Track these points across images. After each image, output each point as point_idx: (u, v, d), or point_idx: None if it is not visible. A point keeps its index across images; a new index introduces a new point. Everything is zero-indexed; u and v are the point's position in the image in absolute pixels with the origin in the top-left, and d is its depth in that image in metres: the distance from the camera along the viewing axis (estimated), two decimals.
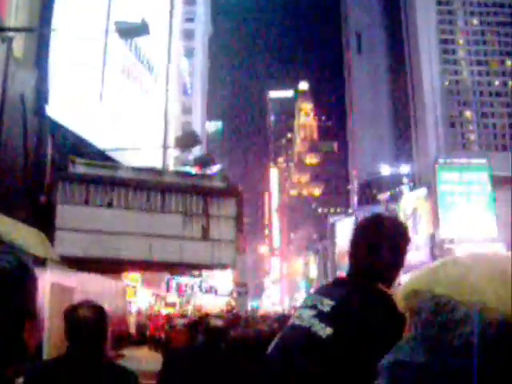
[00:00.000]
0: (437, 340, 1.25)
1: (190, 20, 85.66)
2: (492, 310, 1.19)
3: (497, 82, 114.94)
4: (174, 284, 46.17)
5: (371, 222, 2.90)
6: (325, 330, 2.44)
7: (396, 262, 2.72)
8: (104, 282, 17.77)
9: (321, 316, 2.51)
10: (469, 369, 1.16)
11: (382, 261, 2.65)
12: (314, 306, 2.59)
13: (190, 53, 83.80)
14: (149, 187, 16.34)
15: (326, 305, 2.54)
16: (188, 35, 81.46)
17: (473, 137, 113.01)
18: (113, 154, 19.44)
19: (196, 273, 42.05)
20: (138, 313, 31.16)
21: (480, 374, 1.14)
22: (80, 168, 15.54)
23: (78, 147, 17.06)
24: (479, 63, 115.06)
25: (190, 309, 44.63)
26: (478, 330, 1.19)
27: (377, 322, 2.37)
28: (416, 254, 79.80)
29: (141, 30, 15.21)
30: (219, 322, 6.58)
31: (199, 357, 6.29)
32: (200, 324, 8.77)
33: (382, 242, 2.68)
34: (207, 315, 14.38)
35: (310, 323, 2.51)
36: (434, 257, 75.39)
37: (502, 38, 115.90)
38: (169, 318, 28.32)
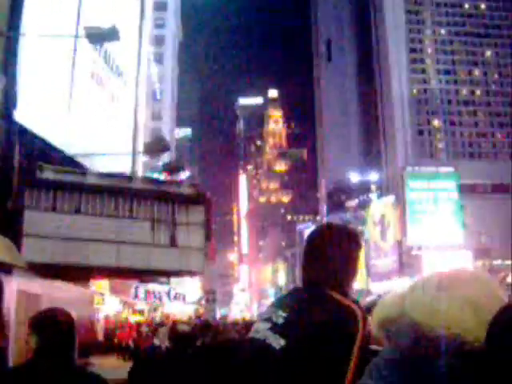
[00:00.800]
0: (418, 367, 1.24)
1: (161, 26, 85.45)
2: (469, 342, 1.21)
3: (464, 91, 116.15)
4: (142, 291, 45.89)
5: (321, 231, 2.92)
6: (279, 341, 2.42)
7: (348, 269, 2.72)
8: (71, 289, 17.62)
9: (275, 328, 2.49)
10: None
11: (334, 268, 2.64)
12: (268, 319, 2.58)
13: (159, 59, 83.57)
14: (117, 193, 16.23)
15: (280, 316, 2.53)
16: (158, 41, 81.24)
17: (440, 145, 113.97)
18: (82, 160, 19.30)
19: (164, 280, 41.85)
20: (106, 320, 30.94)
21: None
22: (48, 174, 15.37)
23: (46, 153, 16.91)
24: (447, 72, 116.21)
25: (158, 316, 44.41)
26: (458, 361, 1.21)
27: (326, 331, 2.35)
28: (384, 260, 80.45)
29: (110, 35, 15.14)
30: (186, 328, 6.56)
31: (165, 363, 6.26)
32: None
33: (332, 250, 2.68)
34: (175, 322, 14.32)
35: (264, 336, 2.50)
36: (401, 263, 75.98)
37: (469, 48, 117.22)
38: (137, 325, 28.18)
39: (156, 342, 8.16)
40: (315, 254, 2.73)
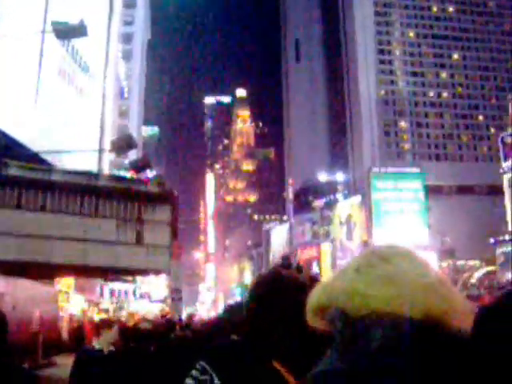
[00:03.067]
0: (352, 346, 1.27)
1: (129, 23, 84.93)
2: (391, 315, 1.24)
3: (431, 93, 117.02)
4: (107, 290, 45.62)
5: (268, 279, 2.44)
6: None
7: (296, 332, 2.10)
8: (35, 287, 17.40)
9: None
10: (387, 369, 1.19)
11: (279, 331, 2.19)
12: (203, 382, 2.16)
13: (128, 56, 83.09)
14: (83, 191, 16.09)
15: None
16: (126, 38, 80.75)
17: (407, 146, 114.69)
18: (47, 157, 19.10)
19: (130, 278, 41.65)
20: (71, 319, 30.65)
21: (398, 374, 1.18)
22: (12, 170, 15.19)
23: (11, 149, 16.70)
24: (415, 74, 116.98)
25: (123, 315, 44.14)
26: (384, 334, 1.24)
27: None
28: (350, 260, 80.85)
29: (78, 31, 14.99)
30: (148, 326, 6.51)
31: (113, 362, 6.20)
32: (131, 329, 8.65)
33: (278, 307, 2.25)
34: (138, 320, 14.21)
35: None
36: None
37: (437, 50, 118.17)
38: (103, 323, 27.91)
39: (97, 345, 7.10)
40: (260, 310, 2.29)
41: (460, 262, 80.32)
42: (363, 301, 1.28)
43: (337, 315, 1.33)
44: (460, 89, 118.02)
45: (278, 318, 2.19)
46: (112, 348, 6.66)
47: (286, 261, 2.73)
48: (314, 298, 1.44)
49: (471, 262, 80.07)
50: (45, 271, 18.58)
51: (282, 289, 2.27)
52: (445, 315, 1.26)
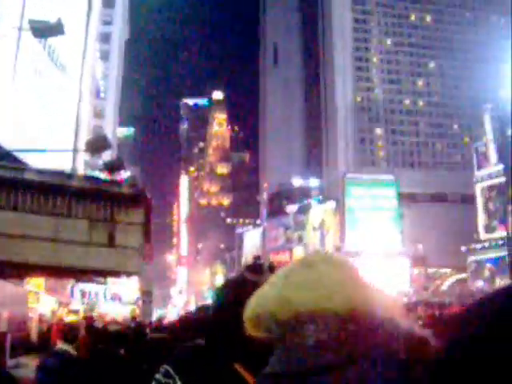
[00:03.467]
0: (289, 347, 1.36)
1: (108, 23, 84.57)
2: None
3: (407, 101, 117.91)
4: (77, 291, 45.32)
5: (234, 283, 2.56)
6: None
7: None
8: (3, 286, 17.25)
9: None
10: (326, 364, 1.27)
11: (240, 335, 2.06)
12: None
13: (105, 56, 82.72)
14: (55, 191, 15.97)
15: None
16: (104, 38, 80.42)
17: (382, 153, 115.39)
18: (20, 155, 18.96)
19: (101, 280, 41.41)
20: (40, 320, 30.40)
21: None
22: None
23: None
24: (391, 82, 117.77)
25: (93, 316, 43.85)
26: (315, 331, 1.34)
27: None
28: None
29: (56, 29, 14.90)
30: (117, 328, 6.48)
31: (83, 365, 6.16)
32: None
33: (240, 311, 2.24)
34: (107, 322, 14.15)
35: None
36: None
37: (414, 59, 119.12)
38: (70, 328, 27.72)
39: (63, 347, 6.76)
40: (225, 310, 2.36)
41: (432, 270, 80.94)
42: (291, 305, 1.36)
43: (271, 322, 1.39)
44: (435, 97, 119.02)
45: (240, 321, 2.13)
46: (73, 351, 6.59)
47: (257, 260, 2.75)
48: (250, 308, 1.50)
49: (443, 270, 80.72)
50: (15, 271, 18.44)
51: (246, 293, 2.23)
52: (365, 308, 1.35)
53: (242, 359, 2.18)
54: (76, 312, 42.45)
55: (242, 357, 2.18)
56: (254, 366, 2.07)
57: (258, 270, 3.69)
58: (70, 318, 35.21)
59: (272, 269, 3.52)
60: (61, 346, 5.39)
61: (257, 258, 3.34)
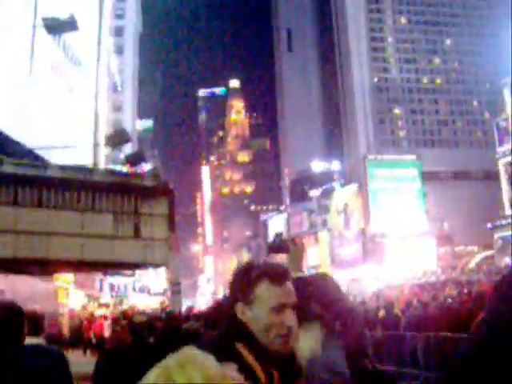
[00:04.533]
0: None
1: (120, 17, 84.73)
2: None
3: (425, 80, 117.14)
4: (106, 284, 45.66)
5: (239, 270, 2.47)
6: None
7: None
8: (34, 283, 17.38)
9: None
10: None
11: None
12: None
13: (119, 50, 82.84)
14: (79, 186, 16.03)
15: None
16: (118, 32, 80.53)
17: (402, 133, 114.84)
18: (42, 153, 19.03)
19: (129, 272, 41.66)
20: (72, 314, 30.65)
21: None
22: (8, 167, 15.13)
23: (5, 146, 16.64)
24: (407, 61, 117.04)
25: (124, 309, 44.14)
26: None
27: None
28: (348, 248, 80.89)
29: (69, 25, 14.93)
30: (143, 318, 6.50)
31: (125, 354, 6.17)
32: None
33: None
34: (133, 314, 14.22)
35: None
36: (365, 251, 76.47)
37: (429, 36, 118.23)
38: (102, 318, 27.90)
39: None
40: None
41: (458, 248, 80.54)
42: None
43: None
44: (453, 74, 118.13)
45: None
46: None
47: (277, 237, 2.78)
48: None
49: (469, 248, 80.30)
50: (44, 267, 18.56)
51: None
52: None
53: (244, 339, 2.21)
54: (106, 305, 42.82)
55: (245, 337, 2.21)
56: (255, 346, 2.17)
57: (282, 249, 3.66)
58: (100, 312, 35.53)
59: (295, 243, 3.48)
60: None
61: (278, 234, 3.38)
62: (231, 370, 1.45)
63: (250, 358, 2.14)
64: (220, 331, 2.37)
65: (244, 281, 2.28)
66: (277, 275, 2.28)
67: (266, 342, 2.18)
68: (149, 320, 7.08)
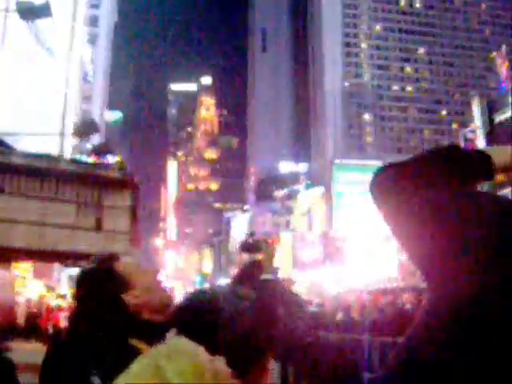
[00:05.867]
0: None
1: (95, 6, 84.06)
2: None
3: (396, 87, 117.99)
4: (65, 275, 45.24)
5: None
6: None
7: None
8: None
9: None
10: None
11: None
12: None
13: (93, 39, 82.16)
14: (43, 174, 15.90)
15: None
16: (92, 21, 79.84)
17: (370, 139, 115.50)
18: (7, 139, 18.83)
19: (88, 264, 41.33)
20: (28, 304, 30.33)
21: None
22: None
23: None
24: (380, 67, 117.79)
25: None
26: None
27: None
28: (310, 250, 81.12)
29: (43, 11, 14.79)
30: None
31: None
32: None
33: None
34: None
35: None
36: (327, 254, 76.78)
37: (402, 45, 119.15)
38: (57, 310, 27.72)
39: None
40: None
41: None
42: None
43: None
44: (424, 83, 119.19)
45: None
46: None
47: (250, 236, 2.80)
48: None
49: None
50: (2, 255, 18.36)
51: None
52: None
53: (136, 334, 2.28)
54: (63, 296, 42.45)
55: (137, 332, 2.28)
56: (147, 337, 2.21)
57: (255, 248, 3.68)
58: (58, 303, 35.22)
59: (268, 244, 3.51)
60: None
61: (251, 233, 3.40)
62: (221, 362, 1.45)
63: None
64: None
65: None
66: None
67: None
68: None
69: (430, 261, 1.17)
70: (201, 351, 1.39)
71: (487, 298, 1.02)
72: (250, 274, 2.76)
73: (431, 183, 1.24)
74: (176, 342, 1.44)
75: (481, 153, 1.29)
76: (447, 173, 1.25)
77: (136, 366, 1.40)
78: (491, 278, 1.03)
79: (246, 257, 3.73)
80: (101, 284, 2.38)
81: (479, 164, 1.27)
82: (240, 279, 2.80)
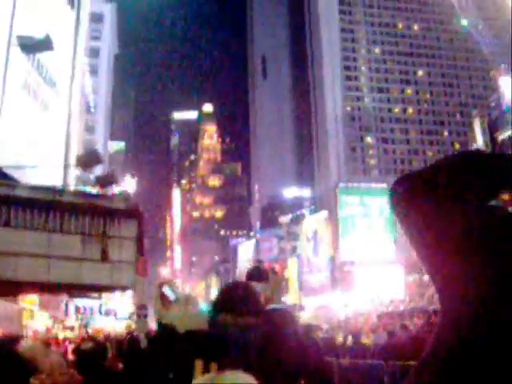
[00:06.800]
0: None
1: (96, 38, 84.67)
2: None
3: (397, 109, 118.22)
4: (72, 307, 45.05)
5: None
6: None
7: None
8: None
9: None
10: None
11: None
12: None
13: (94, 70, 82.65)
14: (47, 207, 15.88)
15: None
16: (93, 53, 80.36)
17: (373, 162, 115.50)
18: (11, 172, 18.85)
19: (95, 295, 41.18)
20: (35, 336, 30.18)
21: None
22: None
23: None
24: (380, 90, 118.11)
25: (89, 332, 43.61)
26: None
27: None
28: (317, 275, 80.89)
29: (44, 45, 14.86)
30: (89, 345, 6.39)
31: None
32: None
33: None
34: (81, 341, 14.03)
35: None
36: (334, 279, 76.55)
37: (402, 67, 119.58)
38: (64, 341, 27.55)
39: None
40: None
41: (426, 277, 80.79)
42: None
43: None
44: (425, 105, 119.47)
45: None
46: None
47: (258, 263, 2.77)
48: None
49: None
50: (8, 288, 18.30)
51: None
52: None
53: None
54: (71, 328, 42.29)
55: None
56: None
57: (263, 277, 3.61)
58: (65, 335, 35.05)
59: (274, 272, 3.45)
60: None
61: (258, 260, 3.32)
62: None
63: None
64: None
65: None
66: None
67: None
68: (97, 346, 6.94)
69: (448, 280, 1.13)
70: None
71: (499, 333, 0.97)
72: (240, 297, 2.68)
73: (456, 196, 1.16)
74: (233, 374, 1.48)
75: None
76: (474, 185, 1.17)
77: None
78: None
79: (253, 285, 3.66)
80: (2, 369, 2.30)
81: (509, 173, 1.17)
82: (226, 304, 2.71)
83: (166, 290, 3.01)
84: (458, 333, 1.04)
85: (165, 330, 2.77)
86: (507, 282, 1.00)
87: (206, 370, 2.37)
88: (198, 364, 2.44)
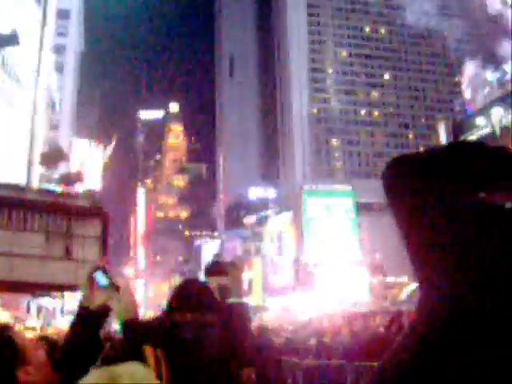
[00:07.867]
0: None
1: (62, 35, 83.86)
2: None
3: (362, 112, 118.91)
4: (34, 306, 44.58)
5: None
6: None
7: None
8: None
9: None
10: None
11: None
12: None
13: (60, 68, 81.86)
14: (10, 204, 15.69)
15: None
16: (59, 50, 79.57)
17: (338, 164, 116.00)
18: None
19: (58, 295, 40.82)
20: None
21: None
22: None
23: None
24: (347, 93, 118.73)
25: (51, 332, 43.16)
26: None
27: None
28: (281, 276, 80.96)
29: (10, 40, 14.69)
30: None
31: None
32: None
33: None
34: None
35: None
36: (298, 280, 76.64)
37: (369, 70, 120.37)
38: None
39: None
40: None
41: (390, 279, 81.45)
42: None
43: None
44: (390, 108, 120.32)
45: None
46: None
47: (216, 257, 2.76)
48: None
49: (400, 279, 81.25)
50: None
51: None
52: None
53: None
54: (33, 328, 41.83)
55: None
56: None
57: (221, 272, 3.59)
58: (26, 335, 34.58)
59: (234, 265, 3.42)
60: None
61: (217, 255, 3.31)
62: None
63: None
64: None
65: None
66: None
67: None
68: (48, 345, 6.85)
69: (431, 269, 1.11)
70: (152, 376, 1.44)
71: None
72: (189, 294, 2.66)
73: (453, 188, 1.13)
74: (131, 365, 1.49)
75: None
76: (474, 175, 1.12)
77: (91, 376, 1.46)
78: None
79: (211, 281, 3.64)
80: None
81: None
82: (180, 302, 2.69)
83: (98, 275, 3.00)
84: (431, 324, 1.03)
85: (131, 330, 2.75)
86: (484, 276, 0.99)
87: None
88: (148, 350, 2.43)
